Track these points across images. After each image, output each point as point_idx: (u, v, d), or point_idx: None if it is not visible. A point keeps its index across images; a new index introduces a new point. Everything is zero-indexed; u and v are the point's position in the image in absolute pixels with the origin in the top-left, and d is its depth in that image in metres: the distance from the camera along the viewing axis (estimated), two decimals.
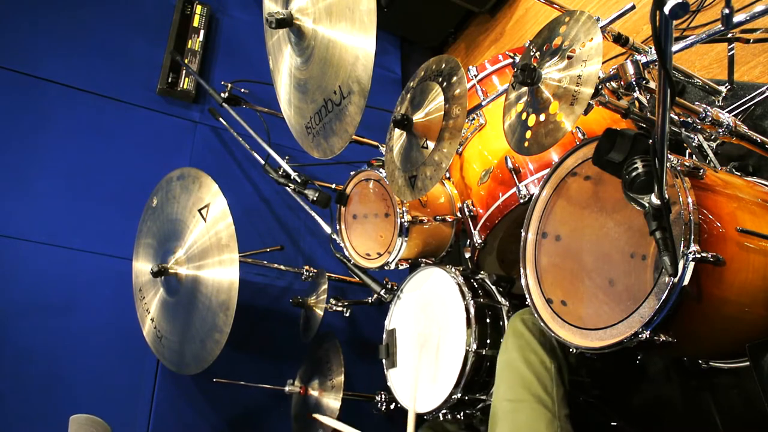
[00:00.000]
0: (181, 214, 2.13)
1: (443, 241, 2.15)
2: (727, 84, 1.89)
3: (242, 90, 2.68)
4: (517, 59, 1.90)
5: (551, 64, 1.41)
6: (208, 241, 2.00)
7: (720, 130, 1.44)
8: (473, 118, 1.95)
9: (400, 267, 2.10)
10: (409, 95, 1.79)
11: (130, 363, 2.34)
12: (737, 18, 1.15)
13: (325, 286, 2.42)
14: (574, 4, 2.85)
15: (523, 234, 1.52)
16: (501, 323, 1.78)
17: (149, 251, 2.27)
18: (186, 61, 2.91)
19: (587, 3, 2.80)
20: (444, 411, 1.70)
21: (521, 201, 1.74)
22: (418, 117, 1.71)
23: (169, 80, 2.84)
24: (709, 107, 1.43)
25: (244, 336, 2.45)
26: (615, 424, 1.71)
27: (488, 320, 1.75)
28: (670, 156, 1.16)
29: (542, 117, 1.40)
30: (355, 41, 1.44)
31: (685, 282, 1.08)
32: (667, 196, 1.01)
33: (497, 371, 1.51)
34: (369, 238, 2.18)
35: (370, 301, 2.35)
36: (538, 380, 1.40)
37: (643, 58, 1.33)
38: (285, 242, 2.85)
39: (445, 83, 1.63)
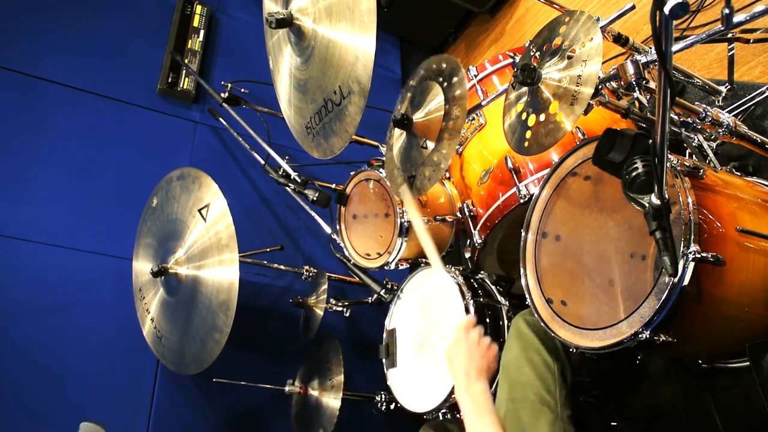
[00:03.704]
0: (181, 214, 2.13)
1: (443, 241, 2.15)
2: (727, 84, 1.89)
3: (242, 90, 2.67)
4: (517, 59, 1.89)
5: (551, 64, 1.41)
6: (208, 241, 2.00)
7: (720, 130, 1.44)
8: (473, 118, 1.95)
9: (400, 267, 2.10)
10: (409, 94, 1.78)
11: (130, 363, 2.34)
12: (737, 18, 1.15)
13: (325, 286, 2.42)
14: (574, 4, 2.85)
15: (523, 234, 1.52)
16: (501, 323, 1.78)
17: (149, 251, 2.27)
18: (186, 61, 2.91)
19: (587, 3, 2.80)
20: (444, 410, 1.70)
21: (521, 201, 1.74)
22: (418, 117, 1.71)
23: (169, 80, 2.84)
24: (709, 107, 1.43)
25: (244, 336, 2.45)
26: (615, 424, 1.71)
27: (488, 320, 1.75)
28: (670, 156, 1.16)
29: (542, 117, 1.40)
30: (355, 41, 1.44)
31: (685, 282, 1.08)
32: (667, 196, 1.00)
33: (500, 371, 1.50)
34: (369, 238, 2.18)
35: (370, 301, 2.35)
36: (541, 381, 1.40)
37: (643, 58, 1.33)
38: (285, 242, 2.85)
39: (445, 84, 1.63)
